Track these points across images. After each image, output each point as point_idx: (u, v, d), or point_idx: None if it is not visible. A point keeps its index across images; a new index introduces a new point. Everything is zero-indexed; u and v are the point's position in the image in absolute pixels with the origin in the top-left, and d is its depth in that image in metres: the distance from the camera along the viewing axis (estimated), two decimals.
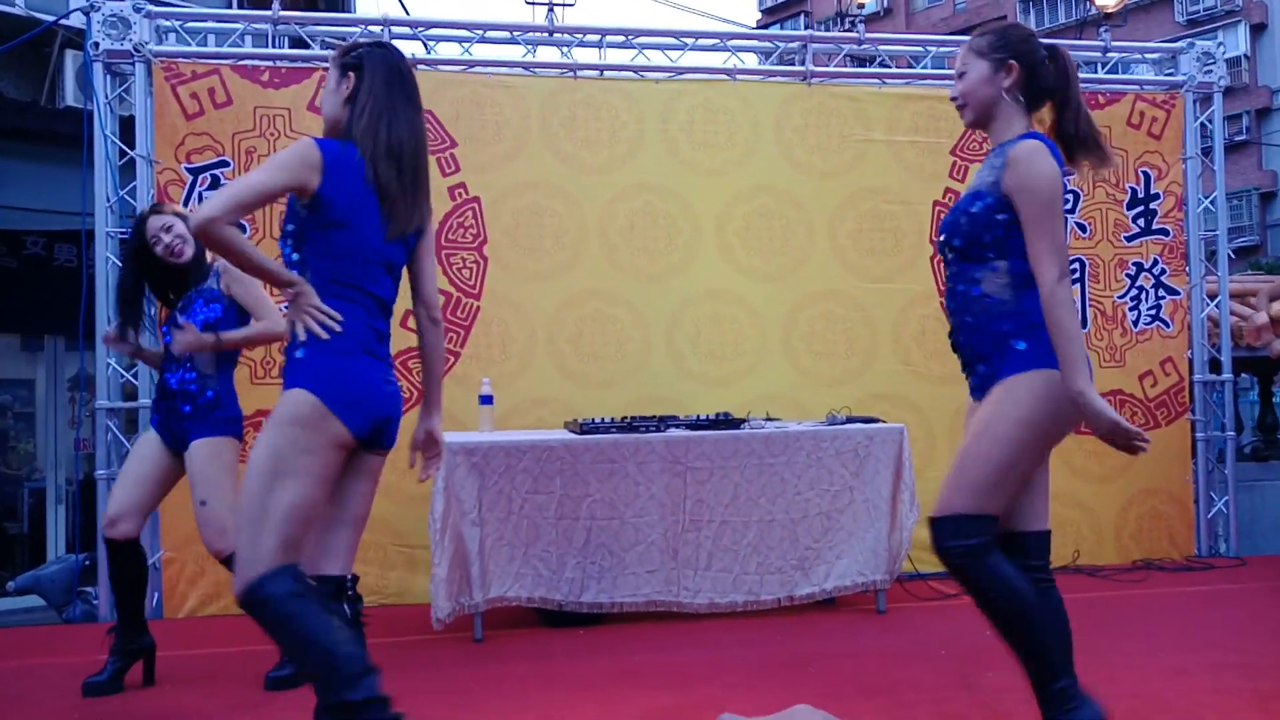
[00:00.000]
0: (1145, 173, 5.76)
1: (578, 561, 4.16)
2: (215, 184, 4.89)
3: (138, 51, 4.86)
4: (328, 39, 5.31)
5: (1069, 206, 5.69)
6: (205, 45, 5.23)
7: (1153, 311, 5.74)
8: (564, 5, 5.33)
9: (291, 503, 2.15)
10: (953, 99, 2.57)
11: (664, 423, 4.43)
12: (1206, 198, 5.95)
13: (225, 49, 5.12)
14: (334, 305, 2.26)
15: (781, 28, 32.27)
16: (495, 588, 4.09)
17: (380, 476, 2.45)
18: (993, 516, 2.41)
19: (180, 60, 4.94)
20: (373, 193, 2.29)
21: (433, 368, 2.56)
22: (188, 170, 4.89)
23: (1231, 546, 5.75)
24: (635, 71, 5.42)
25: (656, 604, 4.24)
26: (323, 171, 2.23)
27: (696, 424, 4.43)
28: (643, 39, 5.44)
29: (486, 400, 4.53)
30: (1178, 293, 5.76)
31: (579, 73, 5.31)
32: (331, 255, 2.28)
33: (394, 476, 4.83)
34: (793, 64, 5.70)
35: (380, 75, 2.38)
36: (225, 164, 4.92)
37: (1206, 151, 5.97)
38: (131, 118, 4.98)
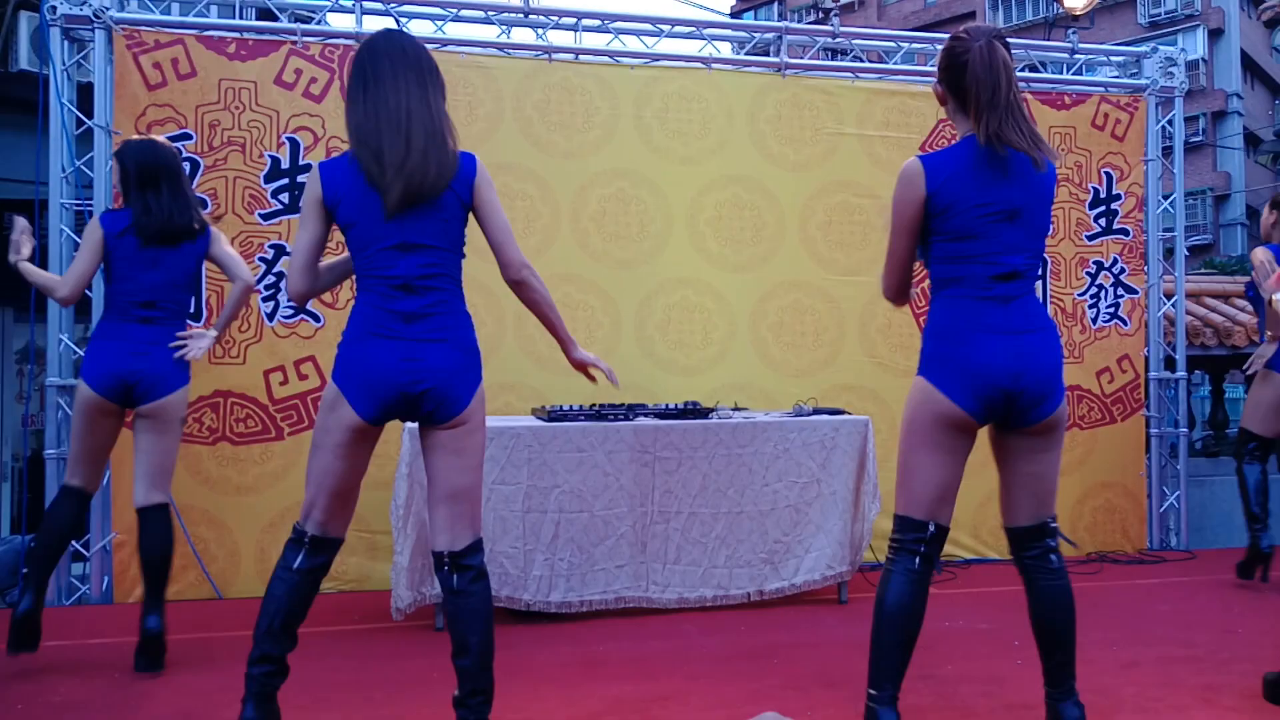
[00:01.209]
0: (1108, 173, 5.86)
1: (545, 558, 4.11)
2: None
3: (98, 18, 4.72)
4: (297, 11, 5.20)
5: None
6: (169, 14, 5.09)
7: (1111, 309, 5.84)
8: None
9: (313, 469, 2.49)
10: None
11: (632, 411, 4.42)
12: (1166, 198, 6.06)
13: (190, 18, 4.99)
14: (360, 295, 2.48)
15: (755, 15, 32.30)
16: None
17: (468, 446, 2.49)
18: (899, 515, 2.56)
19: (143, 28, 4.81)
20: (369, 185, 2.40)
21: (543, 318, 2.69)
22: None
23: (1182, 540, 5.90)
24: (610, 56, 5.38)
25: (626, 600, 4.22)
26: (323, 186, 2.44)
27: (665, 413, 4.43)
28: (619, 24, 5.41)
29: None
30: (1136, 291, 5.87)
31: (554, 56, 5.26)
32: (355, 252, 2.48)
33: None
34: (767, 54, 5.69)
35: (356, 67, 2.47)
36: (188, 136, 4.81)
37: (1167, 153, 6.07)
38: (90, 85, 4.84)
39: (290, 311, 4.90)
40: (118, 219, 3.53)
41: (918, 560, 2.51)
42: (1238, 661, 3.50)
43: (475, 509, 2.52)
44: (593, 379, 2.84)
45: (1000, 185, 2.46)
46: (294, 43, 4.94)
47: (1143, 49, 6.22)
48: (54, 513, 3.61)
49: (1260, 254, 4.71)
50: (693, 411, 4.44)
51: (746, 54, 5.70)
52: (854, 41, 5.74)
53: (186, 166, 4.74)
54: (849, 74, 5.62)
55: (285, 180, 4.92)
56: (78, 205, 4.79)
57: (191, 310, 3.73)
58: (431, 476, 2.52)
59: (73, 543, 4.66)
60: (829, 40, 5.68)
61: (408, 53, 2.46)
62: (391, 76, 2.42)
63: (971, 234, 2.46)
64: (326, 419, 2.47)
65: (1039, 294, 2.61)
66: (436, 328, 2.45)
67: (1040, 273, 5.69)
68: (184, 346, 3.55)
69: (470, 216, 2.54)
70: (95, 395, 3.47)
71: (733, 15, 31.65)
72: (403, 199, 2.37)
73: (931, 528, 2.52)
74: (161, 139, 3.77)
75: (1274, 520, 4.91)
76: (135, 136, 3.86)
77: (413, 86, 2.43)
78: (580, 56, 5.34)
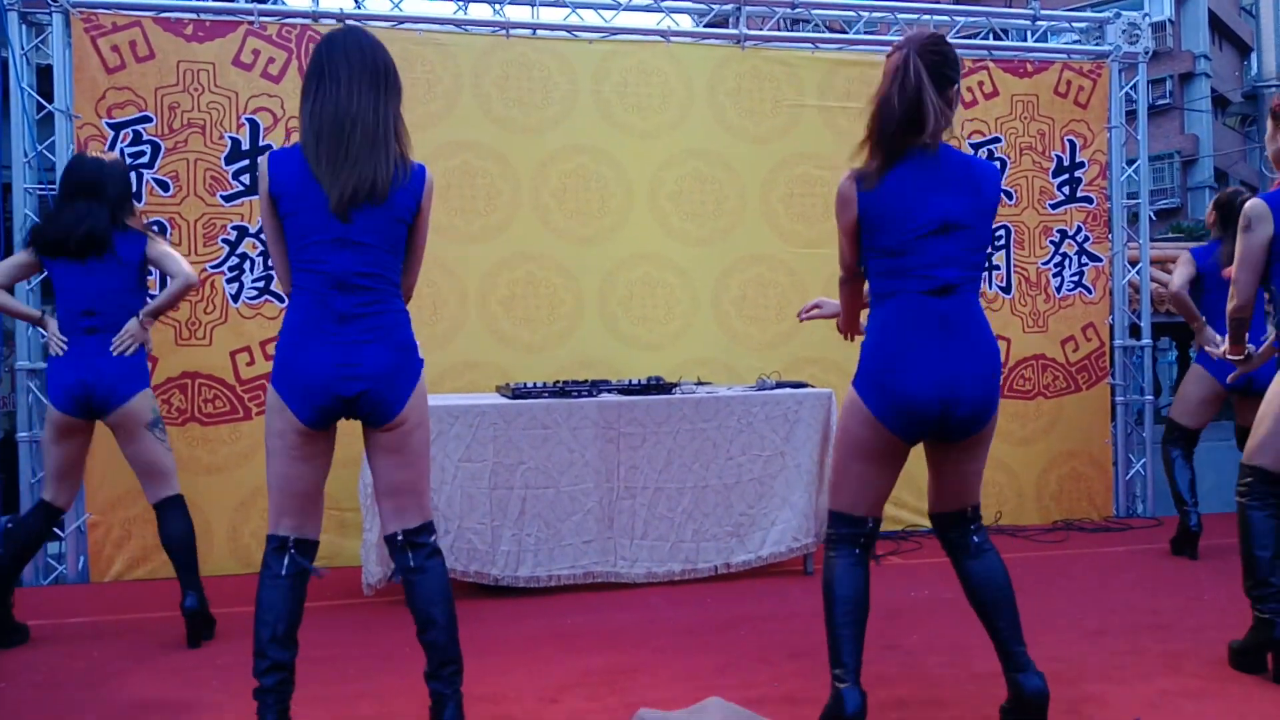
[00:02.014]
0: (1071, 141, 5.88)
1: (513, 534, 4.15)
2: (137, 139, 4.75)
3: (55, 1, 4.66)
4: None
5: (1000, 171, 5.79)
6: None
7: (1075, 278, 5.89)
8: None
9: (271, 474, 2.50)
10: None
11: (596, 387, 4.45)
12: (1130, 165, 6.10)
13: (147, 0, 4.93)
14: (294, 291, 2.46)
15: None
16: None
17: (407, 444, 2.50)
18: (838, 512, 2.62)
19: (100, 11, 4.75)
20: (313, 178, 2.39)
21: None
22: (109, 125, 4.73)
23: (1148, 507, 5.98)
24: (568, 31, 5.35)
25: (594, 575, 4.26)
26: (269, 179, 2.43)
27: (628, 389, 4.46)
28: None
29: None
30: (1100, 259, 5.92)
31: (511, 31, 5.23)
32: (291, 242, 2.45)
33: None
34: (726, 26, 5.68)
35: (313, 61, 2.48)
36: (148, 119, 4.77)
37: (1130, 117, 6.11)
38: (49, 67, 4.79)
39: (255, 292, 4.89)
40: None
41: (858, 550, 2.58)
42: (1204, 629, 3.53)
43: (420, 499, 2.55)
44: None
45: (935, 198, 2.46)
46: (251, 23, 4.89)
47: (1105, 15, 6.23)
48: (21, 524, 3.69)
49: (1177, 278, 4.80)
50: (656, 387, 4.47)
51: (705, 26, 5.68)
52: (814, 11, 5.73)
53: (147, 149, 4.77)
54: (809, 44, 5.62)
55: (246, 161, 4.89)
56: (40, 190, 4.75)
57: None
58: (374, 472, 2.56)
59: None
60: (788, 11, 5.67)
61: (364, 53, 2.45)
62: (346, 76, 2.41)
63: (903, 250, 2.46)
64: (273, 423, 2.47)
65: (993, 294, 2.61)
66: (370, 328, 2.43)
67: (1003, 241, 5.78)
68: (122, 346, 3.57)
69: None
70: (59, 413, 3.55)
71: None
72: (347, 199, 2.37)
73: (870, 523, 2.59)
74: (103, 154, 3.80)
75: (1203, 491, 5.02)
76: (87, 154, 3.86)
77: (365, 88, 2.42)
78: (538, 32, 5.30)
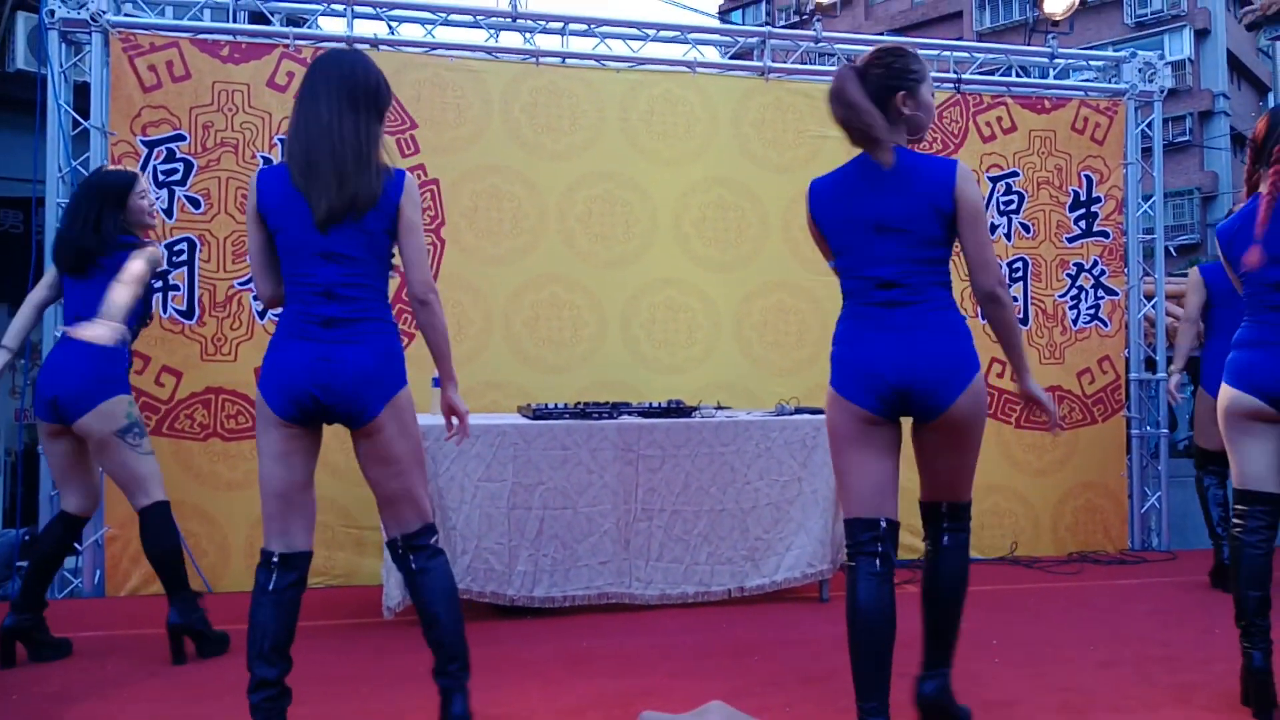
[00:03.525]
0: (1088, 176, 5.94)
1: (530, 554, 4.18)
2: (170, 157, 4.85)
3: (94, 21, 4.78)
4: (289, 14, 5.27)
5: (1014, 207, 5.86)
6: (164, 17, 5.15)
7: (1092, 311, 5.93)
8: None
9: (259, 481, 2.56)
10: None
11: (617, 409, 4.49)
12: (1146, 201, 6.15)
13: (184, 21, 5.06)
14: (285, 302, 2.58)
15: (743, 14, 32.34)
16: None
17: (392, 454, 2.56)
18: (849, 519, 2.65)
19: (138, 31, 4.87)
20: (298, 194, 2.50)
21: (432, 345, 2.64)
22: (143, 143, 4.83)
23: (1163, 540, 5.98)
24: (597, 60, 5.45)
25: (609, 596, 4.28)
26: (257, 195, 2.55)
27: (648, 411, 4.50)
28: (605, 28, 5.48)
29: (439, 383, 4.54)
30: (1116, 293, 5.95)
31: (541, 59, 5.33)
32: (283, 258, 2.58)
33: (341, 457, 4.84)
34: (751, 58, 5.77)
35: (303, 81, 2.59)
36: (181, 138, 4.88)
37: (1147, 154, 6.16)
38: (86, 84, 4.90)
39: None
40: None
41: (878, 561, 2.55)
42: (1214, 661, 3.52)
43: (417, 504, 2.62)
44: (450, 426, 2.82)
45: (871, 199, 2.60)
46: (286, 45, 5.00)
47: (1121, 54, 6.31)
48: (41, 536, 3.72)
49: (1190, 307, 4.85)
50: (676, 410, 4.51)
51: (730, 58, 5.79)
52: (836, 45, 5.82)
53: (180, 167, 4.86)
54: (831, 78, 5.68)
55: None
56: None
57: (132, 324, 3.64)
58: (370, 486, 2.64)
59: None
60: (812, 45, 5.76)
61: (344, 72, 2.56)
62: (325, 95, 2.52)
63: (847, 249, 2.65)
64: (258, 424, 2.56)
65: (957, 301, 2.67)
66: (355, 332, 2.51)
67: (1020, 274, 5.82)
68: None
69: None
70: (39, 418, 3.59)
71: (720, 14, 31.75)
72: (328, 214, 2.48)
73: (883, 523, 2.58)
74: (110, 167, 3.89)
75: None
76: (110, 167, 3.95)
77: (345, 107, 2.52)
78: (567, 60, 5.42)
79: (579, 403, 4.64)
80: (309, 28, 5.31)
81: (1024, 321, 5.82)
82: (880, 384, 2.55)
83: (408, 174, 2.60)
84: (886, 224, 2.58)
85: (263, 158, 4.95)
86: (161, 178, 4.83)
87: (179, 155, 4.87)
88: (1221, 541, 4.83)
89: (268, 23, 5.17)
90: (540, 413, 4.35)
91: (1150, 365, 6.12)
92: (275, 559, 2.53)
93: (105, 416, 3.49)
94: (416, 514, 2.62)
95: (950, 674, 2.72)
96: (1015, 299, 5.82)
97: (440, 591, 2.59)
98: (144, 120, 4.84)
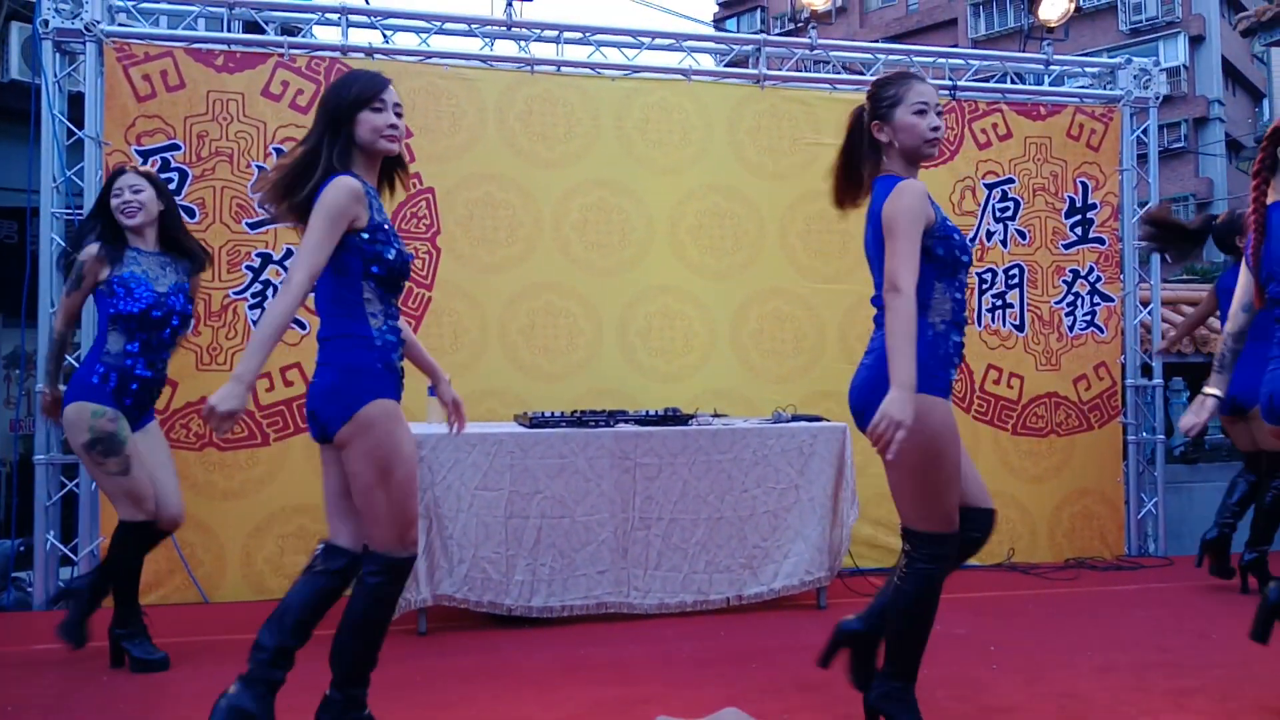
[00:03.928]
0: (1083, 183, 5.95)
1: (527, 564, 4.16)
2: (165, 166, 4.84)
3: (89, 31, 4.77)
4: (284, 24, 5.27)
5: (1010, 214, 5.87)
6: (158, 26, 5.15)
7: (1088, 317, 5.93)
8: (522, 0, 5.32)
9: None
10: (941, 130, 2.71)
11: (613, 417, 4.48)
12: (1142, 207, 6.15)
13: (179, 31, 5.05)
14: None
15: (738, 22, 32.43)
16: (444, 586, 4.09)
17: (354, 470, 2.55)
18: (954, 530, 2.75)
19: (133, 41, 4.86)
20: None
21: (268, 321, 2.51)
22: (138, 152, 4.82)
23: (1160, 546, 5.97)
24: (592, 68, 5.46)
25: (607, 606, 4.26)
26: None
27: (645, 419, 4.49)
28: (600, 36, 5.49)
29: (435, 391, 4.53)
30: (1112, 299, 5.96)
31: (536, 68, 5.33)
32: None
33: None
34: (746, 65, 5.78)
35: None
36: (176, 147, 4.87)
37: (1143, 160, 6.17)
38: (80, 94, 4.89)
39: None
40: None
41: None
42: (1211, 667, 3.55)
43: (368, 530, 2.59)
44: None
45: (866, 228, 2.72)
46: (281, 55, 5.00)
47: (1117, 60, 6.32)
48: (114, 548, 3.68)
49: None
50: (673, 418, 4.51)
51: (725, 66, 5.79)
52: (832, 54, 5.83)
53: (175, 176, 4.85)
54: (827, 85, 5.71)
55: None
56: (68, 214, 4.83)
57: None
58: None
59: (62, 547, 4.74)
60: (807, 52, 5.77)
61: (325, 96, 2.63)
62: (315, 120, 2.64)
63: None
64: None
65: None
66: (325, 349, 2.58)
67: (1017, 280, 5.82)
68: None
69: (353, 235, 2.53)
70: None
71: (715, 22, 31.83)
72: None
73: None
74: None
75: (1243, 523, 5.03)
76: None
77: (313, 129, 2.61)
78: (562, 68, 5.42)
79: (576, 411, 4.64)
80: (303, 37, 5.30)
81: (1020, 328, 5.82)
82: (850, 409, 2.72)
83: (337, 178, 2.51)
84: (867, 253, 2.73)
85: (257, 167, 4.95)
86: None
87: (174, 165, 4.86)
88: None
89: (262, 32, 5.16)
90: (537, 421, 4.35)
91: (1146, 371, 6.12)
92: (322, 544, 2.65)
93: (70, 427, 3.49)
94: (367, 536, 2.60)
95: (898, 687, 2.72)
96: (1011, 305, 5.82)
97: (348, 617, 2.59)
98: (138, 130, 4.83)
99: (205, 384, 4.83)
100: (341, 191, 2.48)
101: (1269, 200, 2.99)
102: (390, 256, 2.58)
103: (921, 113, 2.64)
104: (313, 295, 2.57)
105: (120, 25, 4.94)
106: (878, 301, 2.62)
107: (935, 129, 2.65)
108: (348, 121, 2.57)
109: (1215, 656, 3.71)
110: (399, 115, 2.63)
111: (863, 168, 2.71)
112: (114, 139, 4.79)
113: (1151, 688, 3.33)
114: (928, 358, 2.55)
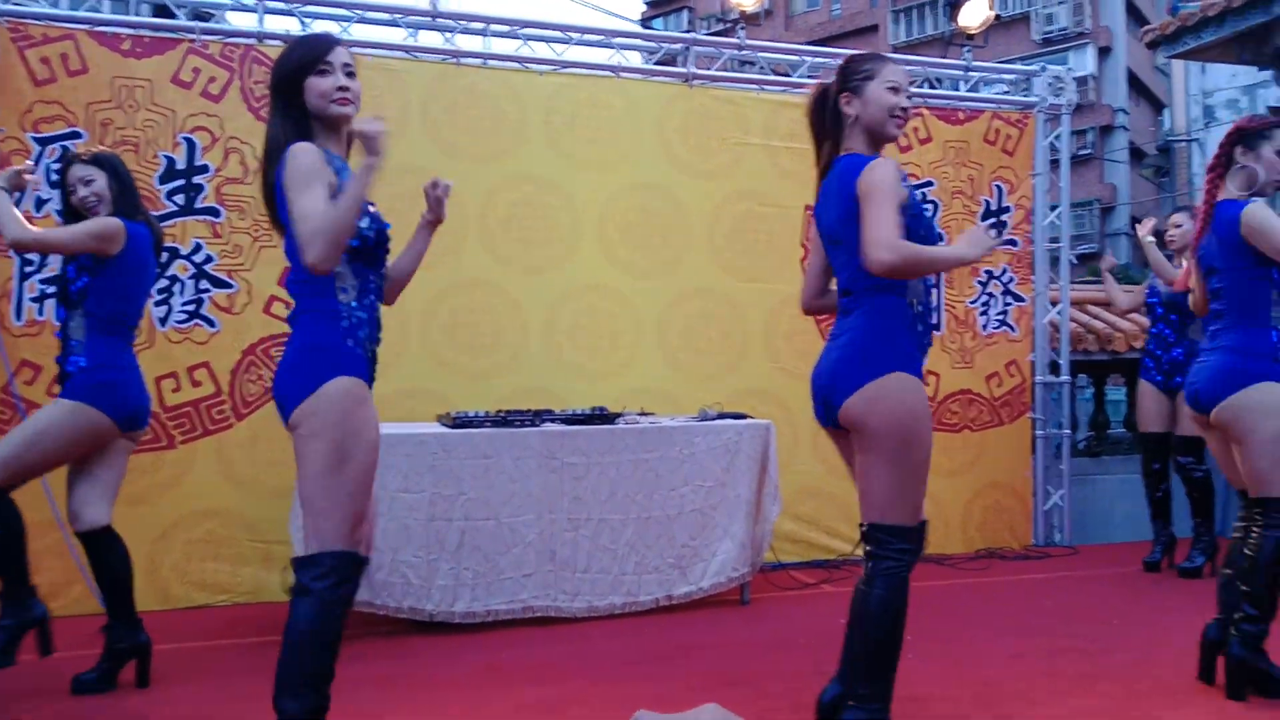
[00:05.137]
0: (999, 186, 6.11)
1: (450, 567, 4.06)
2: (64, 155, 4.61)
3: None
4: (195, 9, 5.07)
5: (929, 216, 5.97)
6: (59, 7, 4.91)
7: (1000, 317, 6.10)
8: None
9: None
10: (909, 112, 2.70)
11: (539, 417, 4.43)
12: (1052, 211, 6.35)
13: (81, 13, 4.81)
14: None
15: (665, 22, 32.49)
16: (362, 591, 3.95)
17: (300, 453, 2.32)
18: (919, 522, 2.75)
19: (30, 21, 4.62)
20: None
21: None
22: (34, 139, 4.58)
23: (1066, 536, 6.17)
24: (519, 62, 5.38)
25: (533, 610, 4.18)
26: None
27: (572, 419, 4.46)
28: (528, 30, 5.41)
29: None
30: (1024, 299, 6.14)
31: (462, 60, 5.24)
32: None
33: (251, 469, 4.73)
34: (675, 64, 5.78)
35: None
36: (78, 135, 4.65)
37: (1054, 165, 6.36)
38: None
39: (184, 316, 4.76)
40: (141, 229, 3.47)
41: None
42: (1115, 651, 3.72)
43: (312, 521, 2.32)
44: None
45: (823, 210, 2.71)
46: (192, 41, 4.81)
47: (1033, 68, 6.51)
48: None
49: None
50: (599, 417, 4.48)
51: (654, 64, 5.78)
52: (759, 54, 5.86)
53: None
54: (755, 86, 5.75)
55: (181, 181, 4.79)
56: None
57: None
58: None
59: None
60: (735, 53, 5.79)
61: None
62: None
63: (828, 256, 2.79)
64: None
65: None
66: (291, 332, 2.41)
67: (935, 280, 5.94)
68: None
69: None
70: None
71: (643, 20, 31.85)
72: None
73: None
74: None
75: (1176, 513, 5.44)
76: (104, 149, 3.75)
77: (272, 112, 2.48)
78: (489, 62, 5.33)
79: (500, 411, 4.58)
80: (217, 23, 5.12)
81: (937, 328, 5.94)
82: (814, 394, 2.68)
83: (294, 147, 2.35)
84: (832, 236, 2.66)
85: (165, 157, 4.76)
86: (55, 177, 4.58)
87: (72, 149, 4.63)
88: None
89: (172, 16, 4.96)
90: (460, 421, 4.27)
91: (1054, 369, 6.32)
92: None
93: None
94: (311, 531, 2.32)
95: (876, 708, 2.60)
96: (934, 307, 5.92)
97: (289, 629, 2.32)
98: (35, 116, 4.59)
99: None
100: (300, 153, 2.29)
101: (1219, 197, 3.19)
102: (364, 225, 2.40)
103: (894, 90, 2.63)
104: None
105: (15, 4, 4.69)
106: (854, 284, 2.57)
107: (904, 109, 2.64)
108: (296, 91, 2.39)
109: (1120, 641, 3.89)
110: (350, 76, 2.42)
111: (823, 145, 2.68)
112: (8, 125, 4.54)
113: (1059, 672, 3.46)
114: (908, 339, 2.57)
